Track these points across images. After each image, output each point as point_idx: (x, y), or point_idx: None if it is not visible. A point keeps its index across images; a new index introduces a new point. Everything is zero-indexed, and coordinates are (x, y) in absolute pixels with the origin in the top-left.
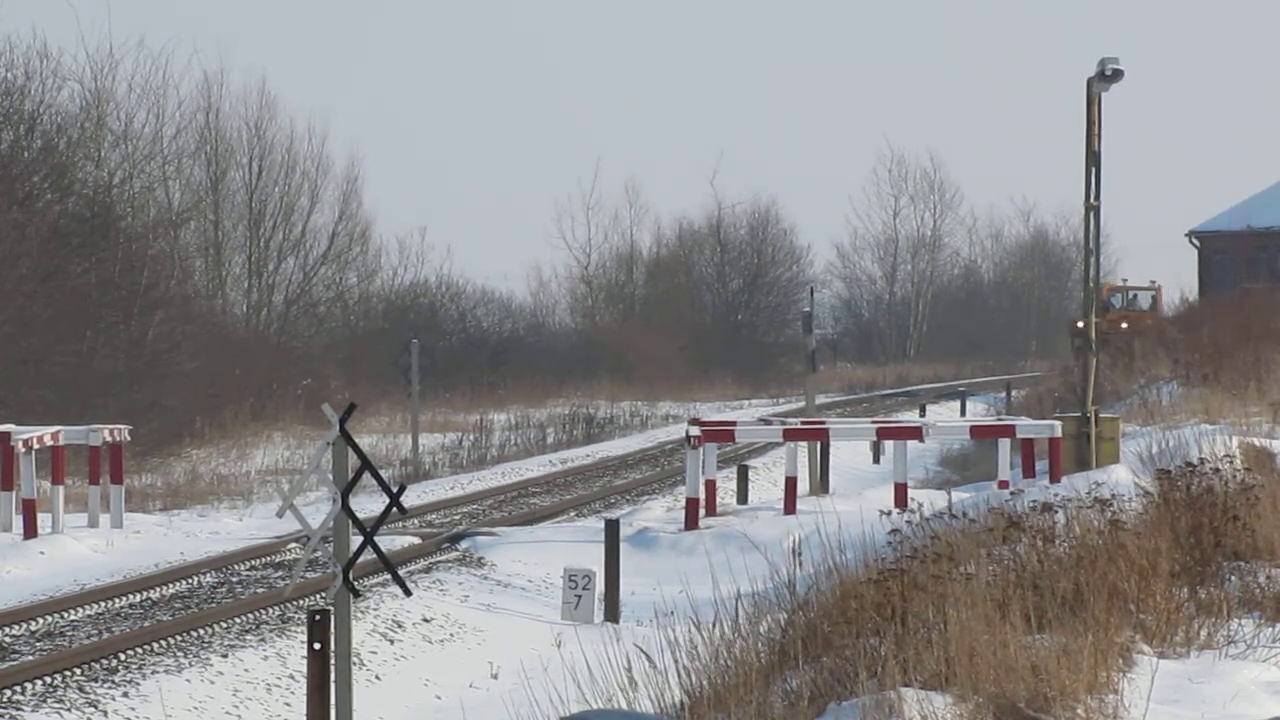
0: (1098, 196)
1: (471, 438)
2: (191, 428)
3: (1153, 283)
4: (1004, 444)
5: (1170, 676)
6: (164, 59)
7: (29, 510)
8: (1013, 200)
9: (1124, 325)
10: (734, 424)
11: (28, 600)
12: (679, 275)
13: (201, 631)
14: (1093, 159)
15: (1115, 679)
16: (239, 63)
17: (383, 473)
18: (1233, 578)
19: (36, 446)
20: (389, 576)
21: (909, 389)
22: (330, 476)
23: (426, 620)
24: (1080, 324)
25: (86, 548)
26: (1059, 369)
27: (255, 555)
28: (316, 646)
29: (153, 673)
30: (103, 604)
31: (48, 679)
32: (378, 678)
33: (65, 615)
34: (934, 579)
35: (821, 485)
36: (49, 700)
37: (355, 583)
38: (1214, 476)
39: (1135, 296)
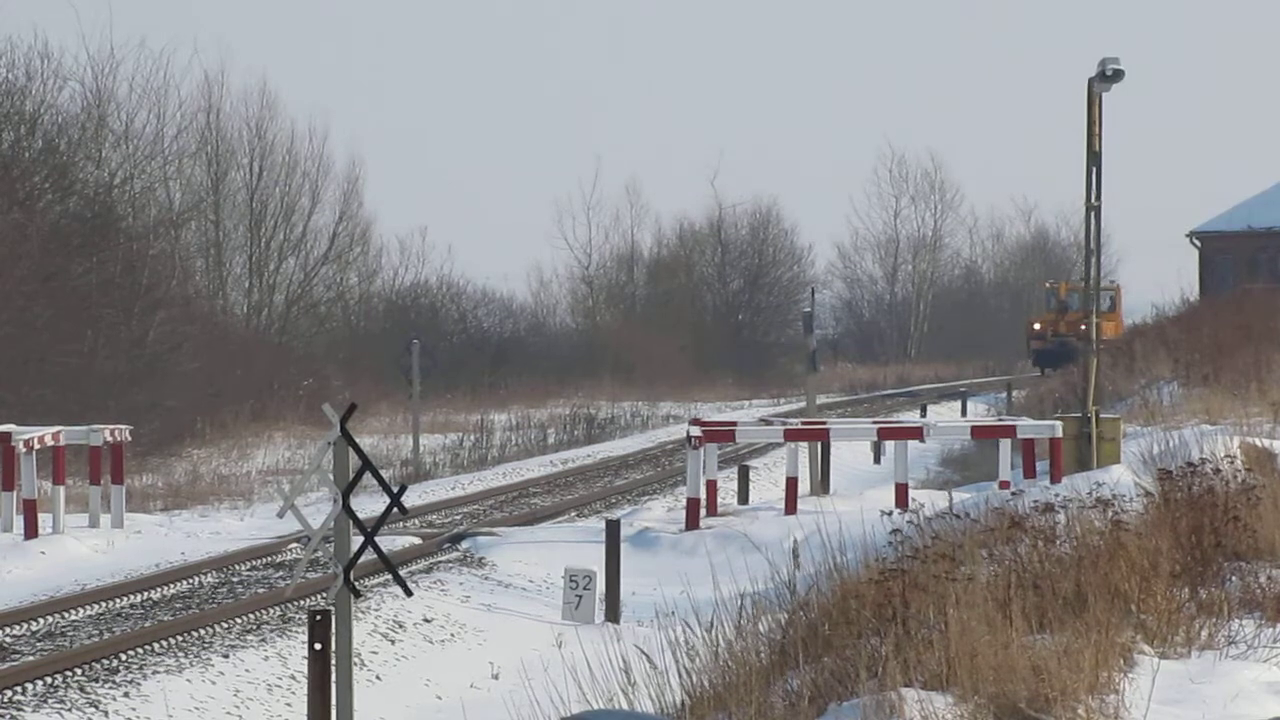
0: (1098, 196)
1: (472, 438)
2: (192, 428)
3: (1111, 282)
4: (1005, 444)
5: (1171, 677)
6: (165, 59)
7: (30, 510)
8: (1014, 200)
9: (1084, 326)
10: (735, 424)
11: (28, 600)
12: (680, 275)
13: (202, 632)
14: (1093, 159)
15: (1116, 679)
16: (239, 63)
17: (383, 473)
18: (1233, 578)
19: (37, 446)
20: (390, 576)
21: (910, 389)
22: (331, 477)
23: (427, 620)
24: (1037, 325)
25: (87, 548)
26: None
27: (256, 555)
28: (317, 646)
29: (154, 673)
30: (104, 604)
31: (49, 679)
32: (379, 678)
33: (66, 615)
34: (935, 579)
35: (822, 485)
36: (50, 700)
37: (356, 583)
38: (1215, 477)
39: None
